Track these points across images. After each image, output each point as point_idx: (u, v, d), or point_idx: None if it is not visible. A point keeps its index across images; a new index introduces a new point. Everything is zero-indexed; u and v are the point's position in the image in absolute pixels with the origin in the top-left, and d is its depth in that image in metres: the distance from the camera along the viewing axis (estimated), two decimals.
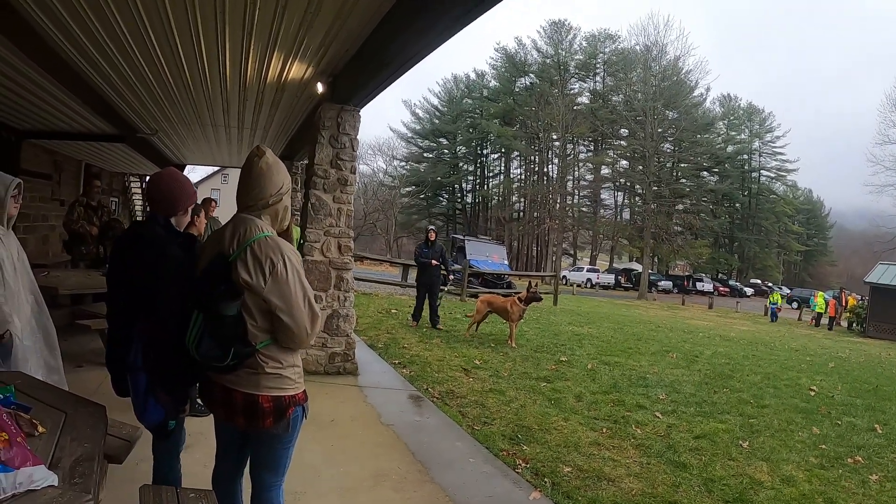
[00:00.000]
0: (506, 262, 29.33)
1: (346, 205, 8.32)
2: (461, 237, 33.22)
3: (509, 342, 11.07)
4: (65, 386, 3.50)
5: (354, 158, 8.55)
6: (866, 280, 31.02)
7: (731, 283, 70.35)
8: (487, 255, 27.69)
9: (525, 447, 5.65)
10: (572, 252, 72.30)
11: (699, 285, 59.86)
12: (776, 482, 5.39)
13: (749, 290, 66.05)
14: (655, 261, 71.82)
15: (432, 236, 13.33)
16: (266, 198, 2.65)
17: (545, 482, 4.90)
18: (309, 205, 8.12)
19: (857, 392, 10.34)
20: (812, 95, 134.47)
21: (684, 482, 5.12)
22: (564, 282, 52.27)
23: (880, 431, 7.62)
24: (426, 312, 12.50)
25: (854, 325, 30.98)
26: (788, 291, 59.33)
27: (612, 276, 56.77)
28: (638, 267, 59.94)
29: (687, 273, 69.84)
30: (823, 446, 6.65)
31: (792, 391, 9.66)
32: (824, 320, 32.20)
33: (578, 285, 51.88)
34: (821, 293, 38.24)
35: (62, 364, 3.68)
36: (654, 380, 9.19)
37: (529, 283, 11.95)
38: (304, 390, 2.74)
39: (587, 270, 58.29)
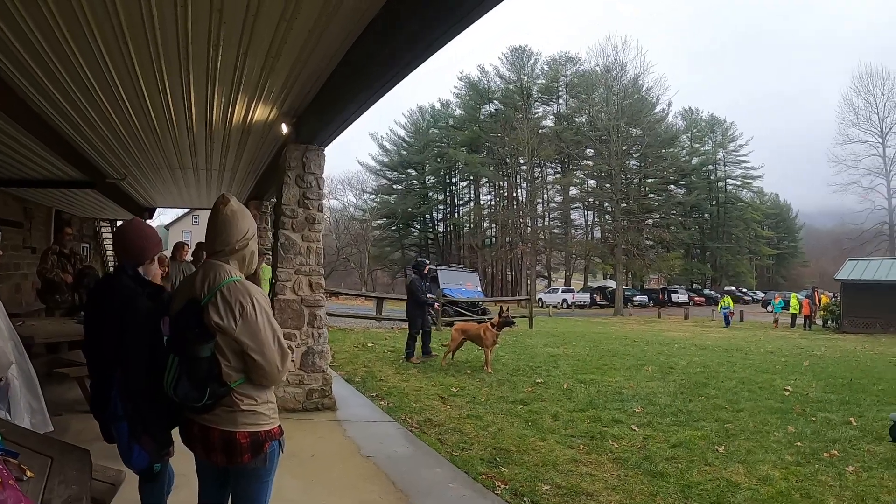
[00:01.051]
0: (479, 289, 29.53)
1: (315, 243, 8.44)
2: (434, 267, 33.43)
3: (486, 368, 11.16)
4: (49, 427, 3.58)
5: (321, 197, 8.70)
6: (837, 277, 31.46)
7: (706, 292, 71.10)
8: (461, 283, 27.91)
9: (504, 469, 5.74)
10: (546, 274, 72.79)
11: (674, 297, 60.52)
12: (753, 483, 5.51)
13: None
14: (629, 276, 72.48)
15: (426, 270, 13.50)
16: (232, 244, 2.78)
17: (524, 501, 5.00)
18: (279, 244, 8.23)
19: (832, 388, 10.51)
20: (772, 106, 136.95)
21: (661, 490, 5.23)
22: (540, 304, 52.59)
23: (855, 424, 7.77)
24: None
25: (829, 322, 31.39)
26: (763, 295, 60.21)
27: (588, 295, 57.35)
28: (612, 284, 60.38)
29: (661, 286, 70.46)
30: (799, 444, 6.77)
31: (767, 393, 9.82)
32: (799, 320, 32.55)
33: (554, 306, 52.29)
34: (794, 294, 38.86)
35: (45, 405, 3.75)
36: (630, 394, 9.31)
37: (501, 308, 12.10)
38: (280, 425, 2.85)
39: (562, 291, 58.82)
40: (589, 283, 68.19)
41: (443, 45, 4.50)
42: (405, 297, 13.25)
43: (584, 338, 18.41)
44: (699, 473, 5.69)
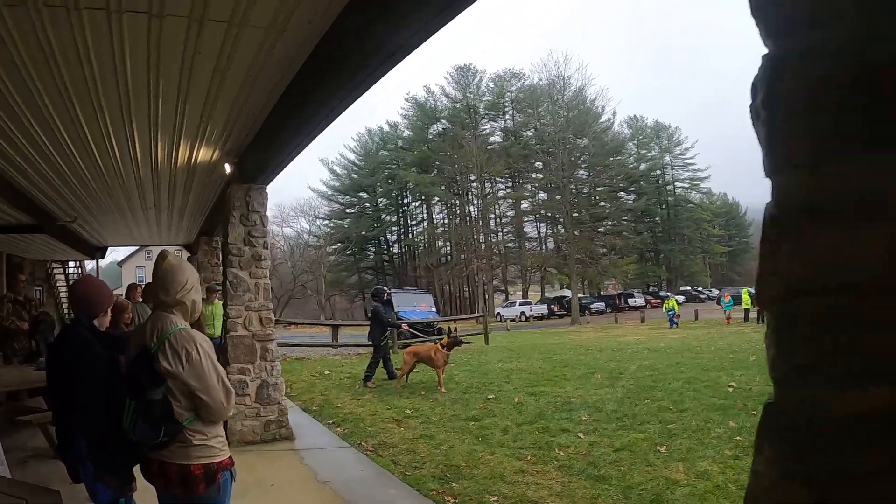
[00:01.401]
0: (433, 309, 29.82)
1: (263, 279, 8.72)
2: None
3: (439, 388, 11.39)
4: (7, 474, 3.75)
5: (266, 234, 8.97)
6: None
7: (662, 293, 72.17)
8: (415, 304, 28.16)
9: (454, 484, 6.01)
10: (504, 288, 73.26)
11: (631, 301, 61.18)
12: (691, 479, 5.77)
13: (680, 298, 67.84)
14: (586, 285, 73.39)
15: (386, 296, 13.73)
16: (173, 295, 3.07)
17: None
18: (227, 283, 8.43)
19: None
20: (718, 106, 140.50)
21: (603, 493, 5.51)
22: (499, 319, 52.89)
23: None
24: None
25: None
26: (717, 293, 61.37)
27: (545, 307, 57.68)
28: (569, 293, 61.13)
29: (618, 292, 71.26)
30: (738, 438, 6.98)
31: (711, 391, 10.08)
32: (753, 314, 33.21)
33: (512, 320, 52.53)
34: (745, 289, 39.67)
35: (3, 454, 3.93)
36: (578, 403, 9.60)
37: (448, 329, 12.34)
38: (230, 456, 3.13)
39: (519, 304, 59.06)
40: (546, 294, 68.70)
41: (372, 85, 4.81)
42: (360, 322, 13.54)
43: (538, 350, 18.70)
44: (640, 474, 5.96)
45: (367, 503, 5.69)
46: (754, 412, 8.16)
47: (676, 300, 35.38)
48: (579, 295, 64.89)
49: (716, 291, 66.24)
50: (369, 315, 13.93)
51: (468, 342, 21.66)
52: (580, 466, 6.31)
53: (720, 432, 7.41)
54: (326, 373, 14.38)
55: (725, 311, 35.19)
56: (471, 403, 10.06)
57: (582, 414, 8.76)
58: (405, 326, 19.03)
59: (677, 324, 32.06)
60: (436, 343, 12.23)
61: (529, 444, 7.28)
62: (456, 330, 12.50)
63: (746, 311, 34.07)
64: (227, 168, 7.58)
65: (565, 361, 15.27)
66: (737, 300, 38.53)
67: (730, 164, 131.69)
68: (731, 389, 10.12)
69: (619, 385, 11.17)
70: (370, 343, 13.41)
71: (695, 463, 6.25)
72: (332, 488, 5.99)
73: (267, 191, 8.84)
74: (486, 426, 8.27)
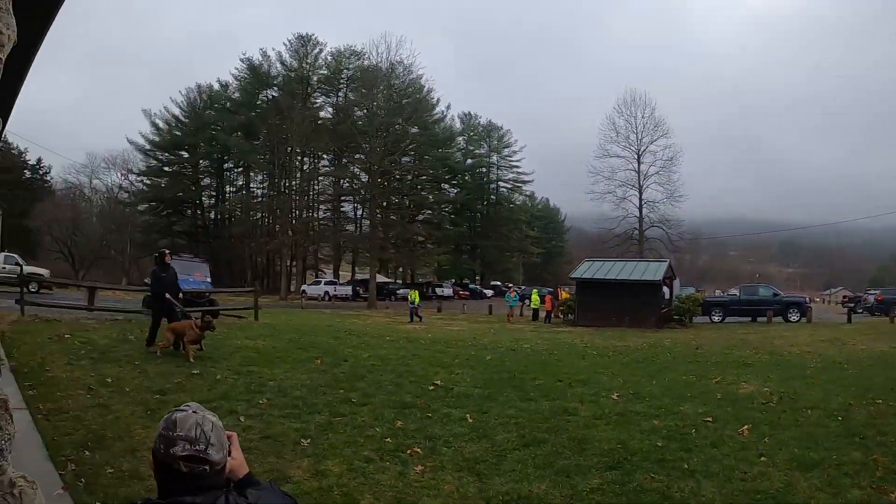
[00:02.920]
0: (208, 279, 29.16)
1: None
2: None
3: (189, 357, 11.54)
4: None
5: None
6: (572, 276, 33.86)
7: (472, 286, 74.88)
8: (189, 273, 27.39)
9: (88, 453, 5.96)
10: (315, 265, 73.00)
11: (439, 290, 62.87)
12: (306, 477, 5.77)
13: (489, 292, 70.72)
14: (399, 271, 74.70)
15: (168, 259, 13.31)
16: None
17: (80, 482, 5.27)
18: None
19: (489, 383, 10.75)
20: (548, 118, 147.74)
21: None
22: (303, 295, 52.66)
23: (470, 421, 7.88)
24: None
25: (566, 316, 33.79)
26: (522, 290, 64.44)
27: (350, 288, 57.97)
28: (380, 278, 61.91)
29: (427, 280, 72.93)
30: (388, 440, 6.96)
31: (414, 387, 10.12)
32: (542, 314, 35.06)
33: (314, 299, 52.57)
34: (535, 290, 41.86)
35: None
36: (273, 385, 9.61)
37: (203, 315, 12.31)
38: None
39: (325, 283, 58.99)
40: (357, 277, 69.04)
41: None
42: (120, 286, 13.15)
43: (298, 330, 18.46)
44: (261, 464, 5.91)
45: None
46: (429, 415, 8.25)
47: (418, 293, 35.20)
48: (388, 280, 66.01)
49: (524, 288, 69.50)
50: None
51: (241, 317, 21.45)
52: None
53: (381, 431, 7.39)
54: (67, 336, 13.68)
55: (509, 307, 36.56)
56: (172, 378, 9.88)
57: (264, 398, 8.75)
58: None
59: (420, 317, 31.89)
60: (193, 321, 12.10)
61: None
62: (210, 317, 12.71)
63: (535, 310, 35.94)
64: None
65: (308, 343, 15.19)
66: (524, 298, 40.57)
67: (557, 174, 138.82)
68: (431, 387, 10.14)
69: (334, 371, 11.25)
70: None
71: (323, 460, 6.24)
72: None
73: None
74: (166, 401, 8.06)
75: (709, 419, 8.00)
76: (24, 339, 12.92)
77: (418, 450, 6.60)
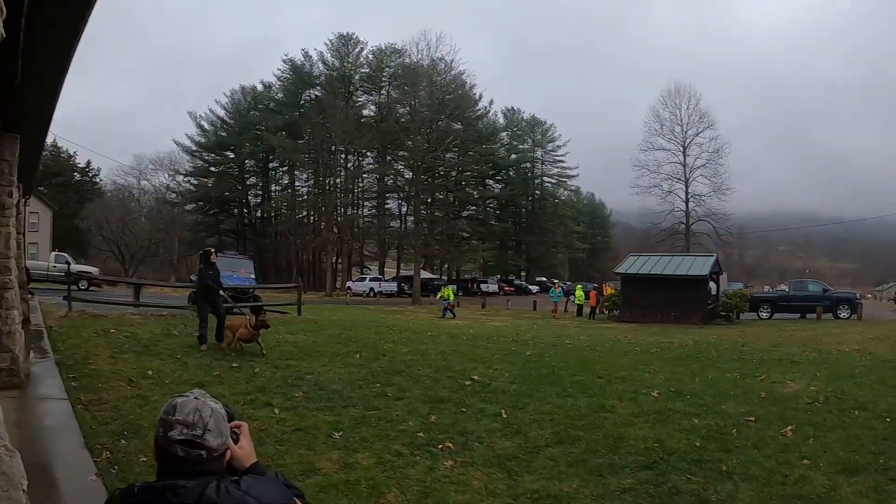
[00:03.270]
0: (252, 275, 29.61)
1: (5, 227, 8.51)
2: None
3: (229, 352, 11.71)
4: None
5: (13, 184, 8.73)
6: (616, 271, 33.55)
7: (517, 282, 74.51)
8: (233, 270, 27.90)
9: (125, 442, 6.08)
10: (361, 262, 73.48)
11: (484, 286, 62.68)
12: (334, 468, 5.73)
13: (534, 288, 70.24)
14: (444, 267, 74.75)
15: (213, 257, 13.53)
16: None
17: (113, 470, 5.32)
18: None
19: (525, 378, 10.62)
20: (593, 111, 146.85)
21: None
22: (348, 292, 53.06)
23: (504, 417, 7.72)
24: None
25: (611, 312, 33.41)
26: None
27: (395, 284, 58.30)
28: (425, 274, 62.02)
29: (472, 276, 72.88)
30: (420, 434, 6.85)
31: (450, 381, 10.03)
32: (587, 310, 34.68)
33: (362, 295, 52.98)
34: (579, 285, 41.52)
35: None
36: (312, 380, 9.62)
37: (258, 313, 12.34)
38: None
39: (370, 280, 59.56)
40: (402, 273, 69.33)
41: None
42: (165, 283, 13.35)
43: (340, 326, 18.58)
44: (292, 456, 5.95)
45: (37, 446, 5.84)
46: (463, 409, 8.15)
47: (452, 289, 34.93)
48: (433, 276, 66.06)
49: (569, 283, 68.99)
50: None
51: (284, 312, 21.73)
52: None
53: (414, 425, 7.29)
54: (112, 331, 13.99)
55: (553, 302, 36.20)
56: (212, 370, 10.04)
57: (300, 391, 8.77)
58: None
59: (454, 314, 31.47)
60: (247, 320, 12.14)
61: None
62: (265, 313, 12.73)
63: (579, 306, 35.54)
64: None
65: (347, 338, 15.22)
66: (569, 294, 40.16)
67: (603, 169, 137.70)
68: (468, 382, 10.00)
69: (372, 366, 11.20)
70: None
71: (355, 453, 6.19)
72: (18, 433, 6.01)
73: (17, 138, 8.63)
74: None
75: (751, 419, 7.71)
76: (70, 334, 13.26)
77: (450, 445, 6.51)
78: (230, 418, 2.03)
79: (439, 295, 33.52)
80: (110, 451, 5.83)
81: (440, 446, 6.46)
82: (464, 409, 8.14)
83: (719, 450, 6.40)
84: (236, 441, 2.01)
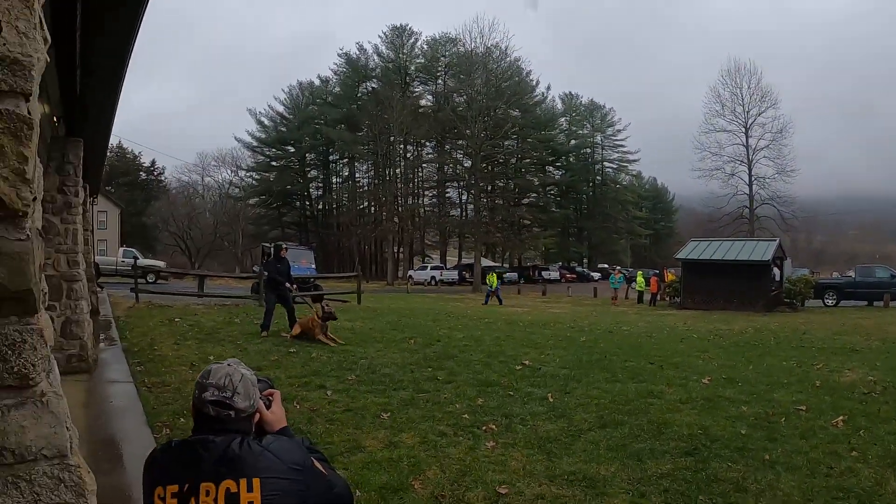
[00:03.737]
0: (313, 266, 30.35)
1: (73, 225, 9.19)
2: (269, 245, 34.31)
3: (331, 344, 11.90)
4: None
5: (78, 184, 9.34)
6: (677, 256, 32.76)
7: (579, 269, 73.92)
8: (294, 261, 28.72)
9: (183, 420, 6.37)
10: (422, 251, 73.95)
11: (545, 274, 62.35)
12: (378, 446, 5.88)
13: (596, 275, 69.49)
14: (505, 255, 74.68)
15: (284, 252, 14.04)
16: None
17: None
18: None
19: (575, 364, 10.62)
20: (652, 93, 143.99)
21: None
22: (410, 281, 53.54)
23: (551, 401, 7.81)
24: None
25: (672, 298, 32.72)
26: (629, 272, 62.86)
27: (456, 273, 58.53)
28: (487, 262, 62.06)
29: (534, 264, 72.54)
30: (466, 416, 6.98)
31: (502, 366, 10.15)
32: (648, 296, 34.02)
33: (423, 283, 53.39)
34: (640, 271, 40.93)
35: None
36: (366, 364, 9.87)
37: (322, 305, 12.66)
38: None
39: (431, 269, 59.97)
40: (463, 261, 69.51)
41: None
42: (227, 274, 13.91)
43: (398, 313, 18.95)
44: (340, 434, 6.17)
45: (102, 424, 6.51)
46: (511, 392, 8.26)
47: (496, 276, 34.21)
48: (494, 264, 66.01)
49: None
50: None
51: (345, 301, 22.30)
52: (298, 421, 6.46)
53: (460, 407, 7.41)
54: (177, 320, 14.61)
55: (613, 289, 35.67)
56: (270, 356, 10.46)
57: (353, 374, 9.04)
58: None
59: (499, 299, 31.30)
60: (315, 316, 12.42)
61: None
62: (329, 305, 12.91)
63: (640, 293, 34.93)
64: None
65: (406, 325, 15.52)
66: (630, 280, 39.56)
67: (665, 152, 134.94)
68: (518, 367, 10.09)
69: (426, 350, 11.45)
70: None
71: (399, 433, 6.35)
72: (86, 413, 6.77)
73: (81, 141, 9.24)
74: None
75: (802, 408, 7.57)
76: (136, 323, 14.06)
77: (493, 427, 6.60)
78: (267, 387, 2.35)
79: (488, 282, 33.25)
80: (170, 428, 6.20)
81: (484, 428, 6.56)
82: (511, 393, 8.24)
83: (765, 438, 6.34)
84: (268, 407, 2.28)
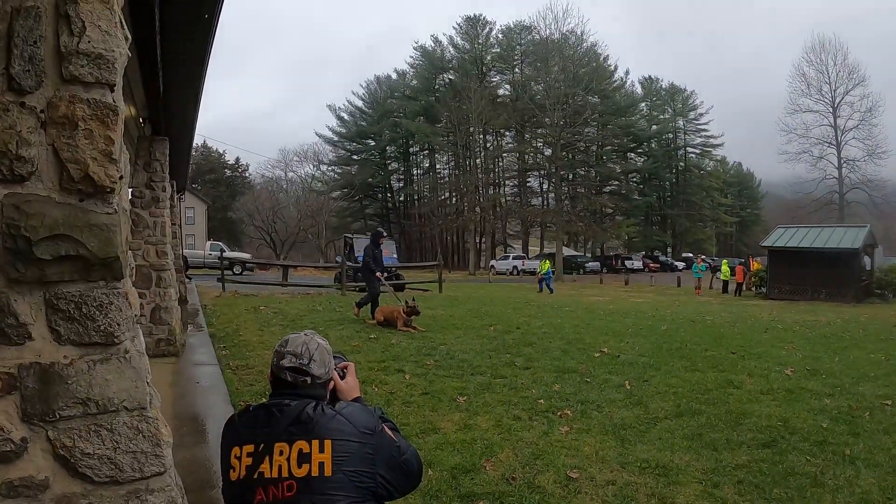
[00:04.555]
0: (395, 255, 30.77)
1: (160, 217, 9.89)
2: (350, 236, 34.97)
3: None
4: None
5: (165, 179, 9.94)
6: (763, 244, 31.88)
7: (662, 258, 72.43)
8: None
9: (264, 399, 6.66)
10: (504, 241, 73.92)
11: (629, 263, 61.38)
12: (454, 430, 5.96)
13: (680, 265, 67.89)
14: (587, 243, 73.90)
15: (381, 240, 14.48)
16: None
17: None
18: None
19: (653, 352, 10.49)
20: (735, 73, 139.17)
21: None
22: (492, 271, 53.65)
23: (628, 388, 7.74)
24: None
25: (758, 288, 31.91)
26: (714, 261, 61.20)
27: (538, 262, 58.31)
28: (569, 251, 61.61)
29: (616, 253, 71.55)
30: (541, 401, 7.00)
31: (580, 354, 10.07)
32: (733, 286, 33.19)
33: (505, 273, 53.42)
34: (725, 260, 39.87)
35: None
36: (444, 350, 10.04)
37: (406, 302, 12.90)
38: None
39: (513, 258, 59.90)
40: (546, 251, 69.10)
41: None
42: (310, 264, 14.44)
43: (479, 301, 19.13)
44: (416, 416, 6.33)
45: (188, 401, 7.07)
46: (588, 379, 8.21)
47: (549, 262, 34.02)
48: (577, 254, 65.43)
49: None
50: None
51: (426, 290, 22.69)
52: (376, 403, 6.70)
53: (538, 393, 7.43)
54: (261, 308, 15.22)
55: (695, 278, 34.88)
56: (351, 341, 10.77)
57: (431, 359, 9.22)
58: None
59: (551, 288, 30.72)
60: (402, 308, 12.66)
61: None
62: (414, 299, 13.34)
63: (724, 282, 34.00)
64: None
65: (486, 313, 15.63)
66: (715, 270, 38.51)
67: (749, 136, 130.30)
68: (597, 354, 10.05)
69: (503, 337, 11.49)
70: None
71: (476, 416, 6.43)
72: (172, 391, 7.41)
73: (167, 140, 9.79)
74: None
75: (887, 402, 7.29)
76: (223, 311, 14.80)
77: (568, 412, 6.61)
78: (342, 361, 2.62)
79: (540, 269, 32.78)
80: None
81: (559, 413, 6.58)
82: (588, 380, 8.21)
83: (847, 433, 6.14)
84: (343, 377, 2.53)
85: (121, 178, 1.98)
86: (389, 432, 2.29)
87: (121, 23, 1.98)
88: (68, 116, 1.86)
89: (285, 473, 2.06)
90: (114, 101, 1.95)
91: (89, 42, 1.89)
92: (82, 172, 1.88)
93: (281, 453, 2.08)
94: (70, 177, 1.88)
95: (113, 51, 1.92)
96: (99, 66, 1.91)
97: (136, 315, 2.14)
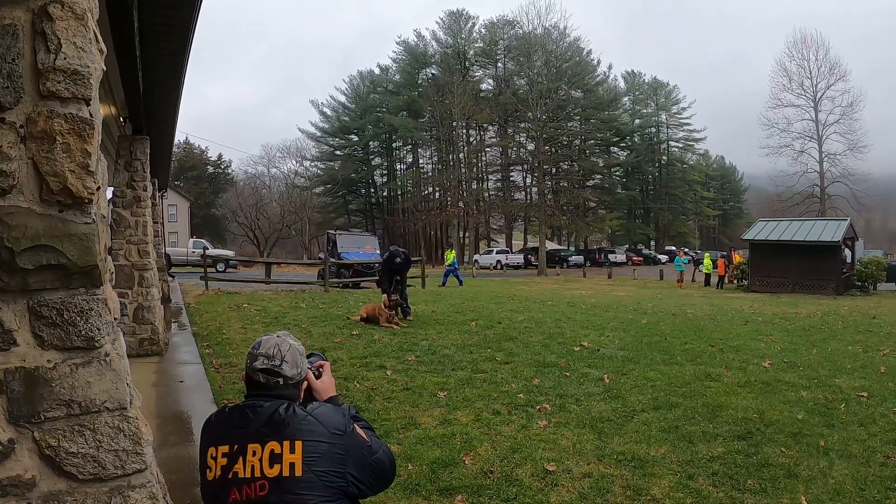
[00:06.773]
0: (377, 251, 30.77)
1: (142, 217, 9.82)
2: (333, 232, 35.11)
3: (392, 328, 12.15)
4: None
5: (146, 178, 9.91)
6: (744, 237, 31.99)
7: (645, 252, 72.95)
8: (359, 247, 29.39)
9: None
10: (487, 235, 74.08)
11: (612, 257, 61.78)
12: (434, 425, 6.06)
13: (663, 258, 68.47)
14: (570, 237, 74.21)
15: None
16: None
17: None
18: (111, 220, 9.40)
19: (632, 346, 10.60)
20: (717, 67, 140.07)
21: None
22: (475, 265, 53.76)
23: (606, 382, 7.82)
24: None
25: (740, 281, 32.27)
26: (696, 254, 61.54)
27: (521, 256, 58.52)
28: (552, 245, 61.80)
29: (599, 246, 71.86)
30: (521, 396, 7.09)
31: (562, 348, 10.15)
32: (714, 279, 33.40)
33: (489, 268, 53.53)
34: (707, 253, 40.14)
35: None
36: (426, 345, 10.12)
37: (388, 295, 12.93)
38: None
39: (497, 252, 59.99)
40: (529, 245, 69.30)
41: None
42: (293, 261, 14.37)
43: (461, 296, 19.21)
44: (397, 412, 6.41)
45: (171, 400, 7.14)
46: (567, 374, 8.31)
47: (454, 253, 32.86)
48: (560, 247, 65.66)
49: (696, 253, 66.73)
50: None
51: (409, 285, 22.67)
52: (357, 400, 6.83)
53: (515, 388, 7.50)
54: (244, 306, 15.23)
55: (678, 271, 34.84)
56: (333, 338, 10.85)
57: (413, 355, 9.29)
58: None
59: (458, 279, 28.47)
60: (382, 304, 12.64)
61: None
62: (397, 296, 13.29)
63: (707, 275, 34.15)
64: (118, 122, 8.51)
65: (469, 308, 15.69)
66: (698, 263, 38.72)
67: (732, 130, 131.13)
68: (577, 349, 10.10)
69: (484, 332, 11.54)
70: None
71: (455, 410, 6.52)
72: (156, 391, 7.50)
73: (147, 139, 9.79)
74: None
75: (863, 394, 7.45)
76: (206, 309, 14.77)
77: (547, 406, 6.71)
78: (319, 360, 2.69)
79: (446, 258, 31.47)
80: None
81: (538, 407, 6.66)
82: (567, 374, 8.30)
83: (821, 424, 6.27)
84: (318, 376, 2.58)
85: (98, 188, 2.06)
86: (361, 432, 2.35)
87: (95, 37, 2.06)
88: (46, 131, 1.93)
89: (258, 473, 2.13)
90: (90, 115, 2.03)
91: (65, 59, 1.97)
92: (61, 185, 1.95)
93: (254, 454, 2.15)
94: (50, 189, 1.95)
95: (87, 66, 2.00)
96: (75, 82, 1.99)
97: (115, 319, 2.23)
